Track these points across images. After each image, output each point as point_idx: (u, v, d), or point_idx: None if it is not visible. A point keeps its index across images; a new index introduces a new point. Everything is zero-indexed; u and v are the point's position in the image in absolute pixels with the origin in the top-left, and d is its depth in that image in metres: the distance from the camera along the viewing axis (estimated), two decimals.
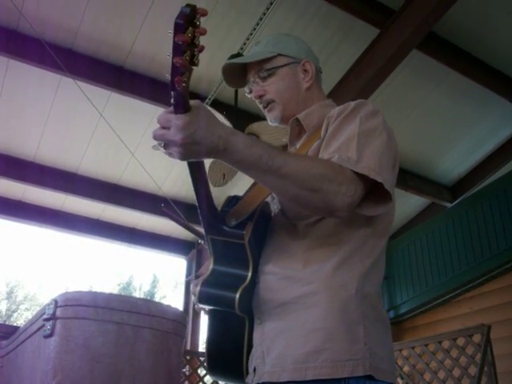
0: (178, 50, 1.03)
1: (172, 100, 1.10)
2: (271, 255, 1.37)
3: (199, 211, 1.31)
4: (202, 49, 1.07)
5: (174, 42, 1.03)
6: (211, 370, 1.41)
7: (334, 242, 1.31)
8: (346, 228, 1.32)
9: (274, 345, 1.28)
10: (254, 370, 1.31)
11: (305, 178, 1.18)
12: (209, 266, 1.37)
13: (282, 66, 1.53)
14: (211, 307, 1.36)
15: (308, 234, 1.34)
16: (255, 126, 3.95)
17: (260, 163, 1.17)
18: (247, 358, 1.35)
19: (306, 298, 1.27)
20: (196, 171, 1.25)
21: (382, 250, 1.37)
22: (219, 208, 1.38)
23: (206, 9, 1.06)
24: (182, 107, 1.11)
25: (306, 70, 1.55)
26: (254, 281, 1.35)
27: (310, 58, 1.57)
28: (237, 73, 1.60)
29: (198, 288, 1.33)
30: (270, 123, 1.60)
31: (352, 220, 1.30)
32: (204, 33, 1.06)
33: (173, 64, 1.04)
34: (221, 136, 1.14)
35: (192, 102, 1.13)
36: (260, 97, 1.55)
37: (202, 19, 1.05)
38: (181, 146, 1.11)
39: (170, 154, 1.15)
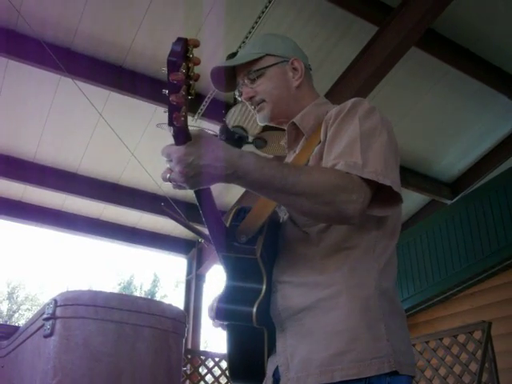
0: (173, 87, 1.03)
1: (172, 133, 1.11)
2: (286, 264, 1.37)
3: (208, 231, 1.32)
4: (197, 78, 1.06)
5: (169, 81, 1.03)
6: (234, 381, 1.43)
7: (348, 245, 1.32)
8: (358, 231, 1.32)
9: (297, 350, 1.28)
10: (274, 375, 1.32)
11: (318, 193, 1.18)
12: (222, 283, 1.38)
13: (270, 66, 1.52)
14: (230, 322, 1.37)
15: (321, 241, 1.34)
16: (266, 134, 3.94)
17: (273, 183, 1.16)
18: None
19: (325, 302, 1.27)
20: (201, 195, 1.25)
21: (393, 248, 1.38)
22: (225, 215, 1.39)
23: (197, 39, 1.06)
24: (182, 139, 1.11)
25: (295, 68, 1.53)
26: (270, 291, 1.35)
27: (298, 56, 1.55)
28: (226, 76, 1.58)
29: (215, 305, 1.34)
30: (259, 123, 1.58)
31: (363, 223, 1.30)
32: (198, 62, 1.06)
33: (169, 102, 1.04)
34: (227, 160, 1.13)
35: (192, 131, 1.13)
36: (250, 98, 1.53)
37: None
38: (182, 176, 1.11)
39: (179, 187, 1.16)
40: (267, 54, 1.53)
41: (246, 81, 1.54)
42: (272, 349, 1.35)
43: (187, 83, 1.05)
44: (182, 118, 1.06)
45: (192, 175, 1.12)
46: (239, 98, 1.59)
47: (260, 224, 1.34)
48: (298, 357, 1.27)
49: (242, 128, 3.88)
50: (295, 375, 1.26)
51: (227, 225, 1.37)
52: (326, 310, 1.26)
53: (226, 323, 1.38)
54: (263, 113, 1.53)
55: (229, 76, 1.58)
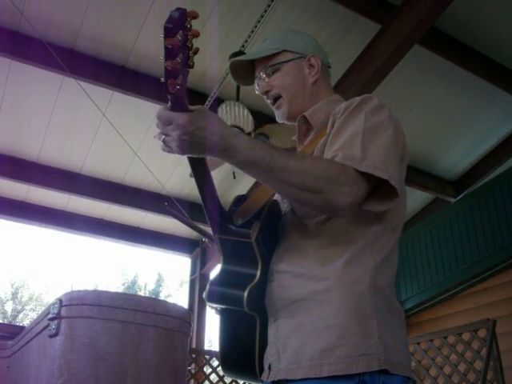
0: (169, 53, 1.05)
1: (169, 103, 1.13)
2: (283, 254, 1.37)
3: (205, 210, 1.33)
4: (196, 51, 1.08)
5: (165, 45, 1.04)
6: (225, 368, 1.43)
7: (346, 239, 1.32)
8: (357, 225, 1.32)
9: (289, 342, 1.28)
10: (269, 367, 1.32)
11: (306, 179, 1.19)
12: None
13: (286, 62, 1.54)
14: (221, 306, 1.37)
15: (319, 233, 1.34)
16: (267, 128, 3.95)
17: (262, 164, 1.18)
18: (259, 356, 1.35)
19: (319, 295, 1.27)
20: (199, 169, 1.26)
21: (393, 245, 1.37)
22: (227, 207, 1.39)
23: (196, 11, 1.08)
24: (179, 109, 1.13)
25: (311, 65, 1.56)
26: (266, 279, 1.35)
27: (316, 53, 1.59)
28: (245, 69, 1.62)
29: (208, 287, 1.35)
30: (278, 120, 1.61)
31: (363, 217, 1.30)
32: (197, 35, 1.08)
33: (165, 68, 1.06)
34: (222, 136, 1.16)
35: (195, 107, 1.16)
36: (266, 92, 1.56)
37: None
38: (177, 140, 1.14)
39: (169, 149, 1.18)
40: (284, 50, 1.56)
41: (263, 75, 1.56)
42: (265, 340, 1.35)
43: (185, 53, 1.06)
44: (178, 87, 1.07)
45: (188, 143, 1.15)
46: (257, 92, 1.62)
47: (257, 208, 1.36)
48: (289, 349, 1.27)
49: (237, 127, 3.88)
50: (286, 367, 1.26)
51: (227, 210, 1.39)
52: (318, 303, 1.26)
53: (218, 308, 1.39)
54: (282, 110, 1.56)
55: (248, 69, 1.61)
